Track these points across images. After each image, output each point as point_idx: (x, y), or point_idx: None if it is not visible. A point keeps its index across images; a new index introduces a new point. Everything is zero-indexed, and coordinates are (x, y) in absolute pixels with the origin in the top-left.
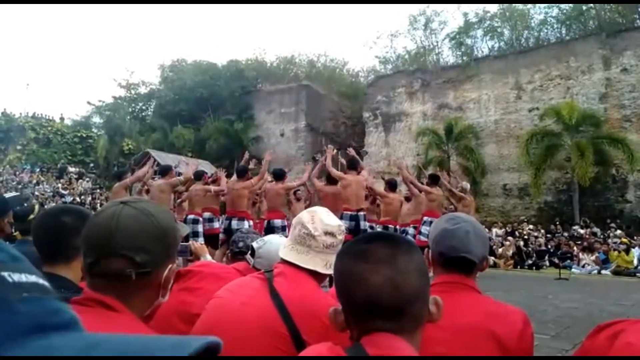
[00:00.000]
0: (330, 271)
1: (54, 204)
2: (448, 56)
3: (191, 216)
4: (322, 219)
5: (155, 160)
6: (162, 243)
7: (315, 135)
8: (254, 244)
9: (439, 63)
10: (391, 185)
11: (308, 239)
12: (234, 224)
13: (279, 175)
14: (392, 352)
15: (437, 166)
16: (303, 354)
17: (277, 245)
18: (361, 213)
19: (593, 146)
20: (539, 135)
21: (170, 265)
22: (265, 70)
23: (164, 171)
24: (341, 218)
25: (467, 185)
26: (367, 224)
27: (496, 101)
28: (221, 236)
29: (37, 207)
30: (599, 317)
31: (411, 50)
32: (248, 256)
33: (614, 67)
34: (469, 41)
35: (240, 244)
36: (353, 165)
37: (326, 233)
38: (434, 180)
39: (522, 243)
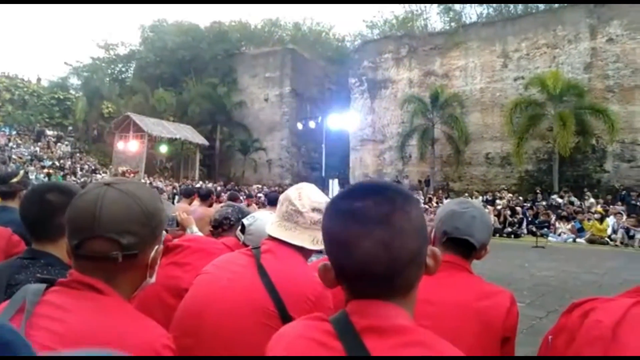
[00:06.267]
0: (318, 247)
1: (32, 168)
2: (436, 22)
3: None
4: (309, 196)
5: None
6: (148, 225)
7: (300, 100)
8: (245, 221)
9: (426, 29)
10: None
11: (295, 215)
12: None
13: None
14: (379, 320)
15: (422, 135)
16: (283, 330)
17: (267, 223)
18: None
19: (575, 116)
20: (523, 105)
21: (156, 246)
22: (250, 33)
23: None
24: None
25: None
26: None
27: (482, 69)
28: None
29: (21, 172)
30: (572, 285)
31: (399, 15)
32: (238, 232)
33: (600, 36)
34: (457, 7)
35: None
36: None
37: (313, 209)
38: None
39: (509, 212)
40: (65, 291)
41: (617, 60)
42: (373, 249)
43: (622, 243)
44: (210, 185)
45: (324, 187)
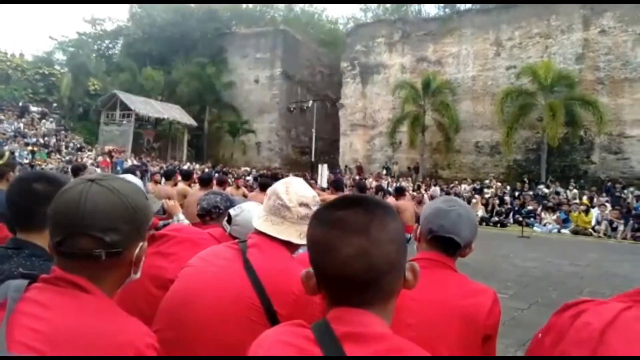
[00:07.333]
0: (304, 241)
1: (16, 145)
2: (430, 7)
3: None
4: (296, 190)
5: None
6: (132, 222)
7: (291, 83)
8: (231, 211)
9: (420, 14)
10: (398, 191)
11: (282, 209)
12: None
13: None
14: (359, 328)
15: (413, 121)
16: (263, 335)
17: (254, 215)
18: None
19: (565, 107)
20: (514, 94)
21: (141, 244)
22: (241, 11)
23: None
24: None
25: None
26: None
27: (475, 57)
28: None
29: (7, 153)
30: (555, 277)
31: None
32: (224, 223)
33: (593, 27)
34: None
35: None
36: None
37: (301, 204)
38: (399, 192)
39: (497, 201)
40: (47, 288)
41: (608, 53)
42: (352, 255)
43: (605, 234)
44: (197, 167)
45: (313, 172)
